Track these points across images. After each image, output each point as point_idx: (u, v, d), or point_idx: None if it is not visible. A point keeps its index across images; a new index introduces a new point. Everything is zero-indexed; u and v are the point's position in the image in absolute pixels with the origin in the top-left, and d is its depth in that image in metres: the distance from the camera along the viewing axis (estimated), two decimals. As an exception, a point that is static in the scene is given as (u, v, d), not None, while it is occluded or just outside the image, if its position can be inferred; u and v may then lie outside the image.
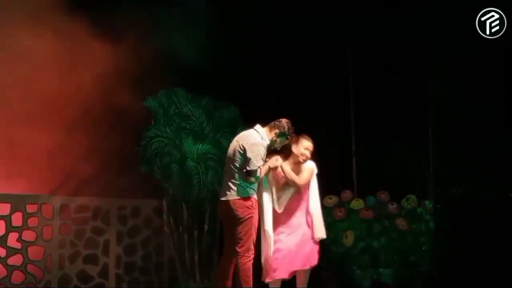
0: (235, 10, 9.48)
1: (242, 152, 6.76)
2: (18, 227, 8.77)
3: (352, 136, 9.99)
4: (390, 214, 8.94)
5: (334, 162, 9.84)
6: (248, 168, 6.69)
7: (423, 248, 8.93)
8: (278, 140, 6.92)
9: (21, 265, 8.73)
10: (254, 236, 6.82)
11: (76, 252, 9.11)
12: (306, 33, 9.90)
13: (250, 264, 6.78)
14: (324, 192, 9.39)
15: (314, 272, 9.38)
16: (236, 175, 6.77)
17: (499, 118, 8.84)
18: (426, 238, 8.94)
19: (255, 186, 6.85)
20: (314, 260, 7.46)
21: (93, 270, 9.20)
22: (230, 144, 7.01)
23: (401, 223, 8.84)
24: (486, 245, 8.48)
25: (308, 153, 7.33)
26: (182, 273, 9.24)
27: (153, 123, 9.30)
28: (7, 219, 8.71)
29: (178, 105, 9.19)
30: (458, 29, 8.51)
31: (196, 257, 9.59)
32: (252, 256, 6.80)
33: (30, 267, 8.79)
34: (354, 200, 9.27)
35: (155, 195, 9.51)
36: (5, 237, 8.66)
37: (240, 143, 6.82)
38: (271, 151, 7.05)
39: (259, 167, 6.72)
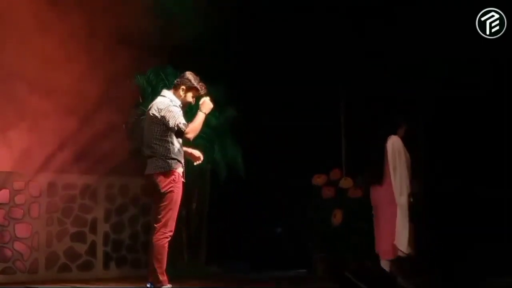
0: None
1: (155, 121, 6.48)
2: (4, 204, 8.70)
3: (341, 116, 10.00)
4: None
5: (323, 141, 9.88)
6: (174, 129, 6.41)
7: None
8: (189, 94, 6.62)
9: (8, 242, 8.67)
10: (174, 213, 6.46)
11: (63, 229, 9.05)
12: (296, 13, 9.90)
13: (165, 242, 6.41)
14: (313, 170, 9.46)
15: (303, 251, 9.49)
16: (156, 147, 6.46)
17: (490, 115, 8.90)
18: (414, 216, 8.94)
19: (180, 157, 6.54)
20: None
21: (80, 248, 9.15)
22: (145, 117, 6.74)
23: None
24: (472, 227, 8.57)
25: None
26: (170, 252, 9.18)
27: (141, 101, 9.28)
28: (-7, 196, 8.66)
29: (167, 82, 9.15)
30: (458, 29, 8.52)
31: (184, 236, 9.59)
32: (170, 234, 6.45)
33: (17, 245, 8.72)
34: (343, 179, 9.28)
35: (143, 173, 9.46)
36: (-8, 213, 8.61)
37: (151, 113, 6.53)
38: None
39: (183, 123, 6.42)
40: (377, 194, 7.76)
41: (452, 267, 8.59)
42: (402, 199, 7.55)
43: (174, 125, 6.41)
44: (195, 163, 6.85)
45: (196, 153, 6.79)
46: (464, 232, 8.64)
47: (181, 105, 6.62)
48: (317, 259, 9.23)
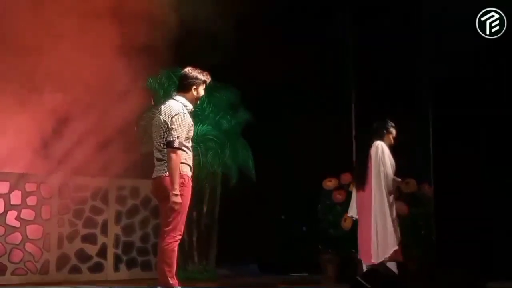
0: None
1: (164, 126, 6.38)
2: (17, 205, 8.74)
3: (353, 119, 9.99)
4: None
5: (334, 144, 9.88)
6: (168, 139, 6.31)
7: (422, 232, 8.94)
8: (200, 89, 6.53)
9: (19, 243, 8.70)
10: (183, 216, 6.40)
11: (74, 231, 9.09)
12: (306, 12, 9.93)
13: (175, 246, 6.36)
14: (323, 174, 9.46)
15: (313, 254, 9.48)
16: (165, 150, 6.36)
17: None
18: (424, 222, 8.95)
19: (189, 161, 6.45)
20: None
21: (91, 250, 9.18)
22: (154, 120, 6.64)
23: (400, 207, 8.82)
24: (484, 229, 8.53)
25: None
26: (181, 254, 9.24)
27: (153, 103, 9.29)
28: (6, 197, 8.67)
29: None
30: (458, 29, 8.51)
31: (194, 239, 9.61)
32: (179, 237, 6.39)
33: (28, 246, 8.76)
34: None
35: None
36: (3, 215, 8.63)
37: (162, 117, 6.42)
38: None
39: (177, 137, 6.30)
40: (361, 199, 7.77)
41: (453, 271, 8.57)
42: (382, 205, 7.57)
43: (174, 138, 6.31)
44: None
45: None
46: (469, 236, 8.62)
47: (192, 110, 6.59)
48: (328, 263, 9.22)
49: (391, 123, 7.91)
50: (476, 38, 8.39)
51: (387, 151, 7.74)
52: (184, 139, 6.38)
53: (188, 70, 6.58)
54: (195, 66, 6.62)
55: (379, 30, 9.49)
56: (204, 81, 6.58)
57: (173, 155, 6.32)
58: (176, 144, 6.31)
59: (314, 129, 10.06)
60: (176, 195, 6.32)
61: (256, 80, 9.64)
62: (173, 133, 6.32)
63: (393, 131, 7.88)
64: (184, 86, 6.57)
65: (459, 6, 8.48)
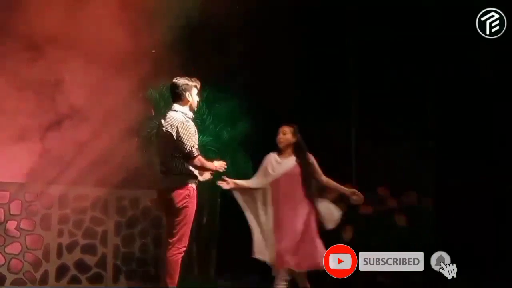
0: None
1: (169, 139, 6.34)
2: (16, 215, 8.75)
3: (353, 131, 10.01)
4: (390, 209, 8.94)
5: (334, 156, 9.87)
6: (184, 152, 6.30)
7: (421, 244, 8.92)
8: (194, 95, 6.49)
9: (19, 253, 8.72)
10: (188, 228, 6.41)
11: (74, 241, 9.10)
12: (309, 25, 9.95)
13: (179, 257, 6.35)
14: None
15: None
16: (170, 163, 6.35)
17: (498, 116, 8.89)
18: (424, 234, 8.95)
19: (195, 172, 6.43)
20: None
21: (91, 260, 9.18)
22: (156, 131, 6.63)
23: (400, 218, 8.84)
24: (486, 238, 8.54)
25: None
26: (180, 265, 9.23)
27: (153, 114, 9.31)
28: (5, 207, 8.69)
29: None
30: (458, 29, 8.53)
31: (194, 250, 9.60)
32: (184, 249, 6.39)
33: (28, 256, 8.78)
34: (354, 195, 9.25)
35: (156, 187, 9.45)
36: (3, 225, 8.64)
37: (165, 129, 6.38)
38: None
39: (193, 146, 6.31)
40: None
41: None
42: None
43: (189, 148, 6.31)
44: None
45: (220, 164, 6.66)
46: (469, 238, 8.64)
47: (193, 117, 6.57)
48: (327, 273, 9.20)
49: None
50: (477, 39, 8.41)
51: (268, 160, 7.62)
52: (196, 145, 6.38)
53: (176, 79, 6.55)
54: (182, 75, 6.59)
55: (379, 31, 9.52)
56: (195, 86, 6.55)
57: (197, 163, 6.36)
58: (195, 153, 6.32)
59: (314, 140, 10.05)
60: (214, 169, 6.53)
61: (256, 87, 9.67)
62: (185, 144, 6.30)
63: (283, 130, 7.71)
64: (177, 95, 6.53)
65: (459, 6, 8.53)
